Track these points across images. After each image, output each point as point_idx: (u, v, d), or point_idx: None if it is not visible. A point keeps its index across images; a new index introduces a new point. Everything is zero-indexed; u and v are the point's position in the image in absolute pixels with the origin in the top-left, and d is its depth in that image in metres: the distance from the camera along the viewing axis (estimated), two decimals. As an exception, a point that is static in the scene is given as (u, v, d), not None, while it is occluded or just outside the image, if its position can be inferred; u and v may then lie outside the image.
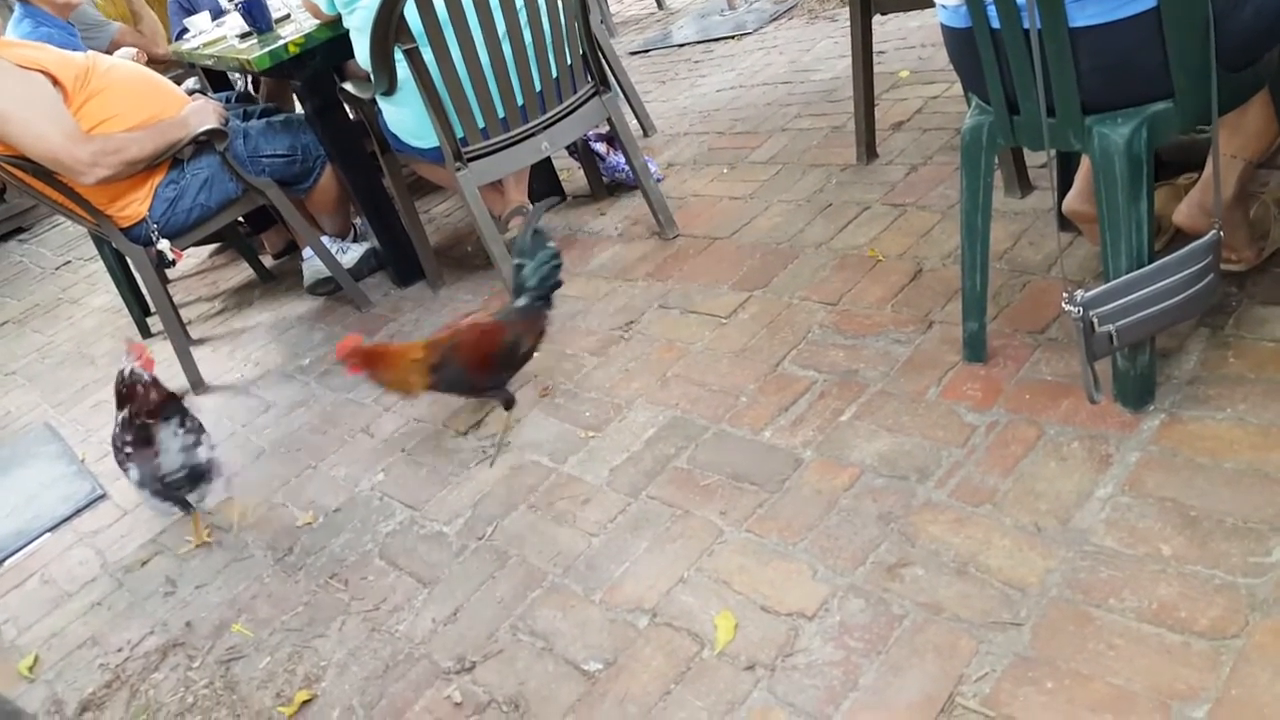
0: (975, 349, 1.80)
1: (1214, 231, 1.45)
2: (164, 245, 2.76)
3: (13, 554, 2.38)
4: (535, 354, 2.10)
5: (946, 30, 1.60)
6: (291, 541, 2.03)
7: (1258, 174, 1.71)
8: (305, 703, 1.61)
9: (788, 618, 1.44)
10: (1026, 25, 1.40)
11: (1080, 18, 1.36)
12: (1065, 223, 1.98)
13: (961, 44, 1.56)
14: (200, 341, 3.23)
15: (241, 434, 2.56)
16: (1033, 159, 2.30)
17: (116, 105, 2.66)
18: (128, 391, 2.02)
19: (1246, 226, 1.71)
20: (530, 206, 2.96)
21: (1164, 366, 1.61)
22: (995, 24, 1.45)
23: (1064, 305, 1.44)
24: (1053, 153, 1.83)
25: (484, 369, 2.02)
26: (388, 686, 1.58)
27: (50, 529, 2.42)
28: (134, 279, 3.35)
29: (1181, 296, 1.46)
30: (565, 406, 2.14)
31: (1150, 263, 1.46)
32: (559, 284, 2.07)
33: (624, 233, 2.89)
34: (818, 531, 1.57)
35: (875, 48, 2.74)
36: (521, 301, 2.04)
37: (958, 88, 2.94)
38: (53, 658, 1.96)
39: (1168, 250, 1.48)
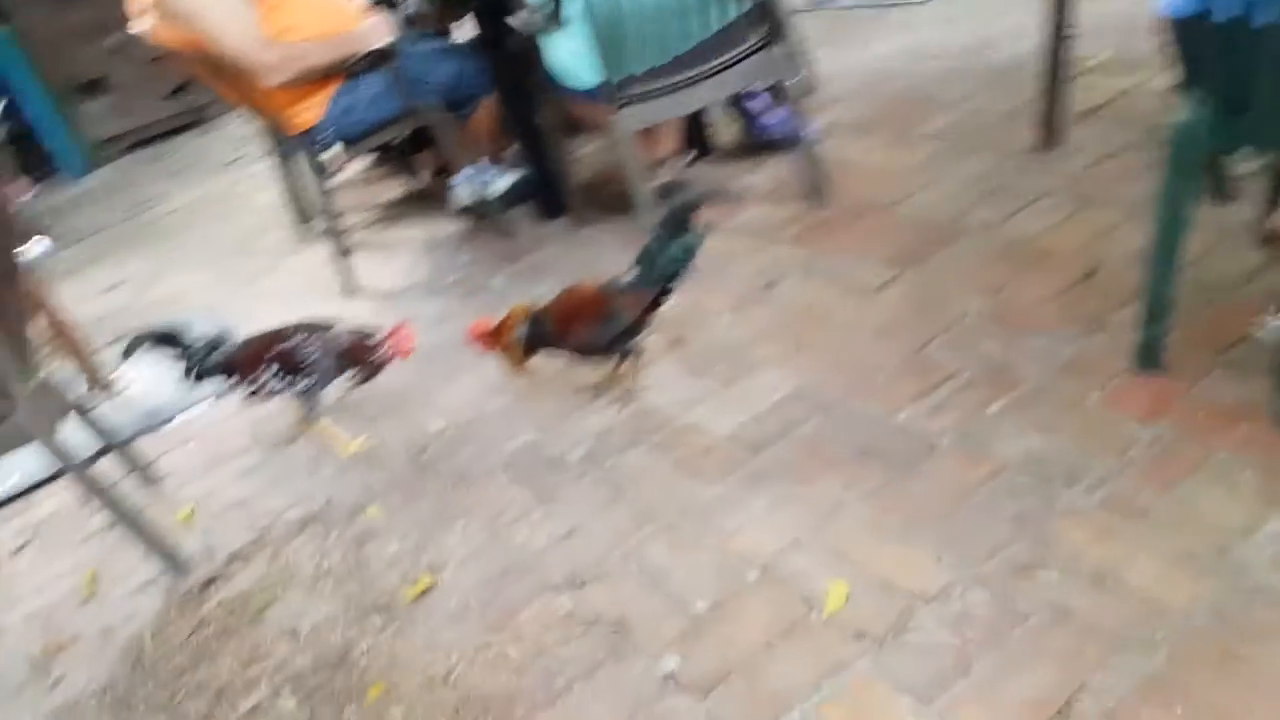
0: (1149, 358, 1.68)
1: None
2: (331, 152, 2.88)
3: (177, 415, 2.57)
4: (642, 332, 2.01)
5: (1172, 20, 1.48)
6: (426, 443, 2.12)
7: None
8: (427, 589, 1.70)
9: (905, 596, 1.41)
10: (1265, 19, 1.28)
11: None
12: (1266, 239, 1.83)
13: (1187, 34, 1.44)
14: (355, 248, 3.36)
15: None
16: (1237, 168, 2.12)
17: (298, 16, 2.79)
18: (355, 347, 2.15)
19: None
20: (682, 156, 2.94)
21: (1360, 406, 1.48)
22: (1233, 13, 1.33)
23: (1266, 321, 1.34)
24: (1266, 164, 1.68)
25: (575, 339, 2.00)
26: (503, 589, 1.65)
27: (212, 398, 2.60)
28: (300, 181, 3.51)
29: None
30: (696, 358, 2.13)
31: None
32: (685, 272, 1.97)
33: (773, 192, 2.83)
34: (946, 521, 1.52)
35: (1068, 29, 2.57)
36: (636, 276, 1.98)
37: (1155, 82, 2.74)
38: (207, 512, 2.12)
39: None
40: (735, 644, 1.41)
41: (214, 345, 2.19)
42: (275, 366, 2.10)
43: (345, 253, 3.05)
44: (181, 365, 2.17)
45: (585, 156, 3.61)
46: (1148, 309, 1.66)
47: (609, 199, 3.12)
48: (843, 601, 1.42)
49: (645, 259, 1.97)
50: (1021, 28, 3.47)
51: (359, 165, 4.16)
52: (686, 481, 1.77)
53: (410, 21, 3.53)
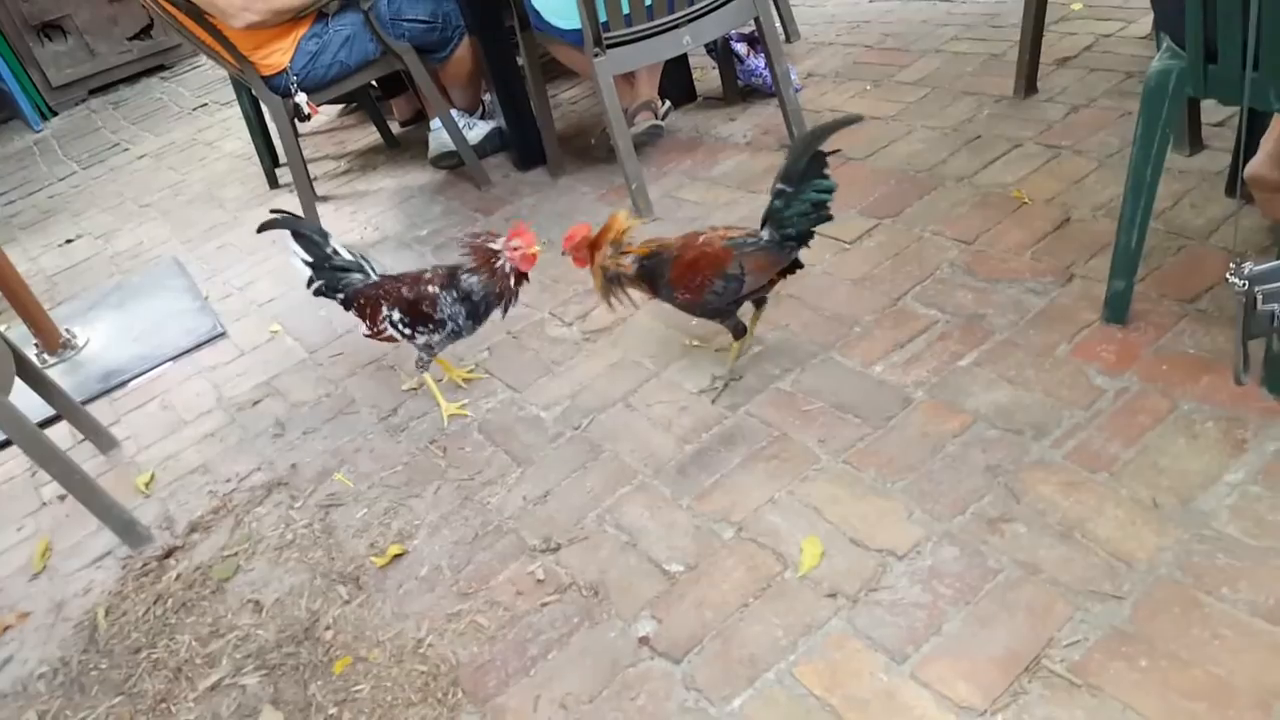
0: (1117, 309, 1.70)
1: None
2: (301, 98, 2.80)
3: (137, 376, 2.54)
4: (769, 294, 1.84)
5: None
6: (396, 404, 2.11)
7: None
8: (397, 556, 1.69)
9: (877, 553, 1.43)
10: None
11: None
12: (1239, 188, 1.83)
13: (1168, -23, 1.42)
14: (324, 199, 3.30)
15: (356, 294, 2.62)
16: (1209, 115, 2.11)
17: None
18: (481, 258, 1.87)
19: None
20: (659, 102, 2.89)
21: (1325, 357, 1.50)
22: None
23: (1228, 276, 1.34)
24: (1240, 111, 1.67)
25: (690, 293, 1.76)
26: (475, 553, 1.65)
27: (172, 359, 2.57)
28: (267, 128, 3.43)
29: (1364, 285, 1.33)
30: (673, 312, 2.11)
31: (1337, 243, 1.33)
32: (823, 219, 1.71)
33: (753, 141, 2.80)
34: (919, 474, 1.54)
35: (1054, -28, 2.54)
36: (765, 235, 1.73)
37: (1133, 28, 2.71)
38: (167, 478, 2.10)
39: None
40: (711, 605, 1.42)
41: (348, 269, 2.03)
42: (398, 314, 1.92)
43: (313, 203, 2.99)
44: (307, 272, 2.02)
45: (564, 102, 3.55)
46: (1117, 261, 1.66)
47: (587, 147, 3.08)
48: (817, 559, 1.44)
49: (773, 219, 1.71)
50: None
51: (330, 112, 4.07)
52: (661, 440, 1.77)
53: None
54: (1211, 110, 2.10)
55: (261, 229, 2.07)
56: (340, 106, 4.03)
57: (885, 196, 2.30)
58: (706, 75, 3.28)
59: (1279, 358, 1.46)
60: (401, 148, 3.58)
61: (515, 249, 1.84)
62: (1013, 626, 1.27)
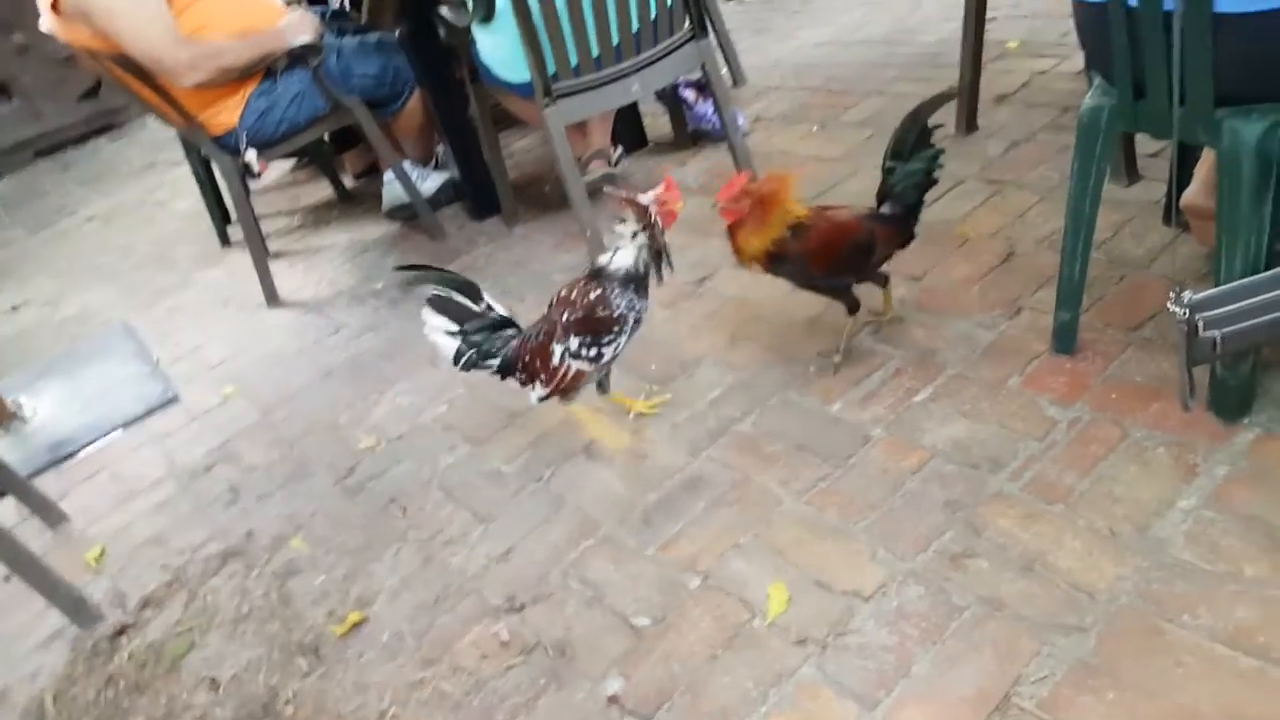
0: (1065, 340, 1.73)
1: (1344, 244, 1.36)
2: (251, 155, 2.79)
3: (85, 447, 2.47)
4: (888, 262, 1.87)
5: (1077, 3, 1.50)
6: (353, 463, 2.07)
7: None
8: (357, 624, 1.65)
9: (843, 596, 1.42)
10: (1168, 6, 1.30)
11: (1227, 4, 1.27)
12: (1174, 217, 1.88)
13: (1093, 19, 1.47)
14: (277, 255, 3.28)
15: (311, 351, 2.60)
16: (1143, 147, 2.18)
17: (216, 13, 2.68)
18: (638, 213, 1.70)
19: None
20: (613, 150, 2.92)
21: (1264, 380, 1.53)
22: (1133, 2, 1.36)
23: (1169, 305, 1.37)
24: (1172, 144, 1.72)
25: (822, 262, 1.78)
26: (438, 617, 1.61)
27: (123, 426, 2.51)
28: (218, 187, 3.40)
29: (1298, 309, 1.37)
30: (630, 358, 2.11)
31: (1267, 270, 1.37)
32: (933, 184, 1.80)
33: (704, 185, 2.83)
34: (880, 512, 1.54)
35: (986, 15, 2.61)
36: (885, 209, 1.82)
37: (1068, 64, 2.80)
38: (118, 552, 2.03)
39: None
40: (679, 658, 1.40)
41: (502, 325, 1.80)
42: (577, 341, 1.72)
43: (265, 261, 2.96)
44: (453, 344, 1.77)
45: (518, 151, 3.57)
46: (1062, 293, 1.69)
47: (542, 195, 3.09)
48: (784, 605, 1.43)
49: (890, 193, 1.80)
50: (938, 14, 3.53)
51: (282, 168, 4.05)
52: (625, 489, 1.76)
53: (335, 16, 3.44)
54: (1146, 142, 2.17)
55: (400, 268, 1.90)
56: (293, 161, 4.02)
57: (836, 236, 2.32)
58: (657, 121, 3.32)
59: (1224, 382, 1.49)
60: (355, 201, 3.57)
61: (664, 203, 1.69)
62: (980, 665, 1.27)
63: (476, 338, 1.78)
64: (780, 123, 3.09)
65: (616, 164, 2.91)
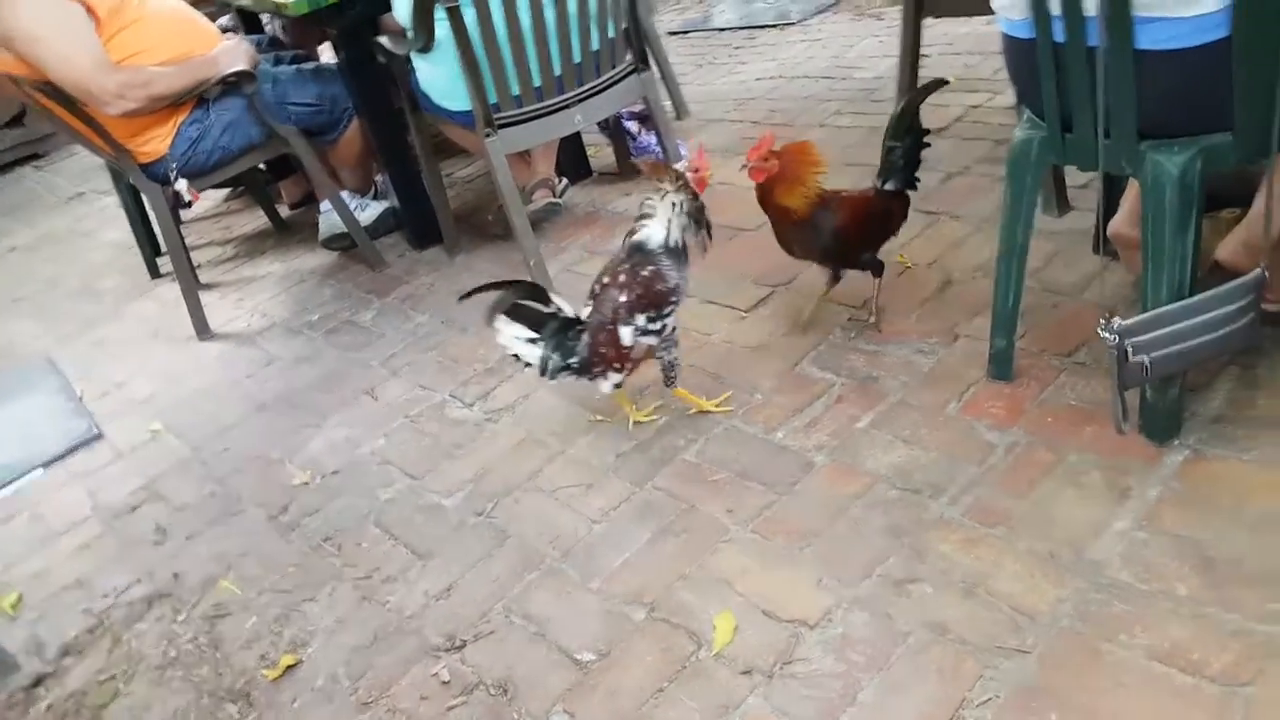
0: (1001, 366, 1.76)
1: (1258, 270, 1.41)
2: (181, 185, 2.72)
3: (3, 487, 2.35)
4: (896, 234, 2.02)
5: (1007, 40, 1.55)
6: (286, 500, 2.01)
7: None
8: (290, 667, 1.59)
9: (789, 624, 1.41)
10: (1092, 43, 1.35)
11: (1148, 41, 1.31)
12: (1104, 246, 1.94)
13: (1021, 55, 1.51)
14: (209, 287, 3.19)
15: (244, 384, 2.53)
16: (1073, 179, 2.25)
17: (149, 39, 2.62)
18: (675, 177, 1.75)
19: (1289, 268, 1.67)
20: (557, 179, 2.92)
21: (1192, 402, 1.58)
22: (1059, 38, 1.40)
23: (1099, 331, 1.41)
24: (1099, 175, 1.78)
25: (853, 230, 1.92)
26: (375, 658, 1.56)
27: (43, 465, 2.40)
28: (147, 216, 3.31)
29: (1219, 333, 1.42)
30: (574, 387, 2.10)
31: (1191, 296, 1.42)
32: (920, 162, 1.99)
33: (647, 215, 2.84)
34: (825, 539, 1.54)
35: (920, 51, 2.69)
36: (890, 185, 1.97)
37: (1001, 98, 2.89)
38: (37, 597, 1.93)
39: (1204, 285, 1.44)
40: (625, 693, 1.37)
41: (573, 323, 1.77)
42: (643, 318, 1.73)
43: (196, 292, 2.88)
44: (536, 351, 1.73)
45: (459, 180, 3.55)
46: (996, 320, 1.73)
47: (484, 224, 3.08)
48: (730, 636, 1.42)
49: (893, 169, 1.96)
50: (876, 50, 3.63)
51: (214, 197, 3.97)
52: (569, 520, 1.73)
53: (272, 44, 3.39)
54: (1076, 173, 2.24)
55: (466, 296, 1.77)
56: (226, 191, 3.93)
57: (777, 266, 2.34)
58: (601, 151, 3.33)
59: (1154, 406, 1.53)
60: (291, 231, 3.50)
61: (697, 169, 1.75)
62: (926, 690, 1.26)
63: (555, 341, 1.75)
64: (723, 154, 3.12)
65: (561, 194, 2.91)
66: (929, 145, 2.01)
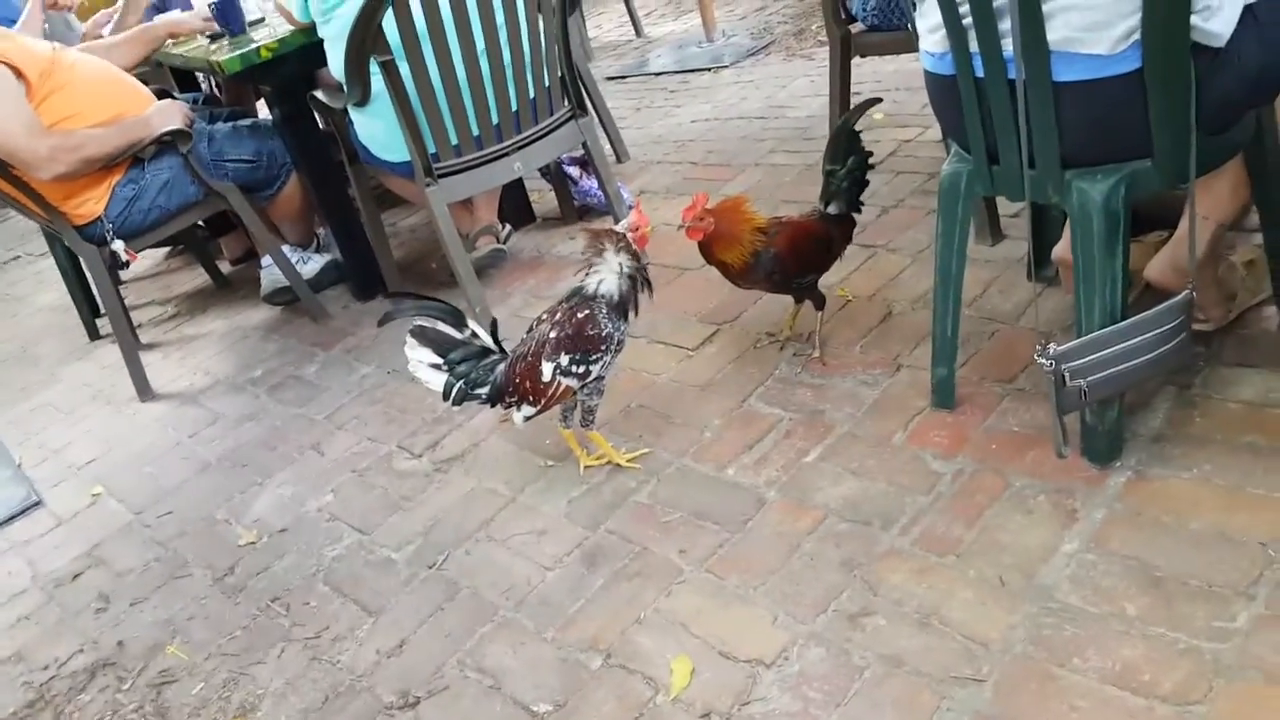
0: (943, 395, 1.78)
1: (1187, 291, 1.45)
2: (118, 246, 2.67)
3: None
4: (840, 258, 2.07)
5: (930, 76, 1.60)
6: (233, 561, 1.95)
7: (1226, 235, 1.72)
8: (238, 734, 1.53)
9: (746, 664, 1.39)
10: (1012, 76, 1.40)
11: (1065, 73, 1.36)
12: (1036, 273, 1.99)
13: (944, 91, 1.56)
14: (150, 347, 3.13)
15: (187, 445, 2.47)
16: (1005, 208, 2.31)
17: (80, 102, 2.58)
18: (617, 241, 1.75)
19: (1215, 287, 1.73)
20: (500, 226, 2.92)
21: (1131, 423, 1.61)
22: (980, 73, 1.45)
23: (1036, 357, 1.43)
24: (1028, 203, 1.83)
25: (798, 259, 1.96)
26: (327, 719, 1.51)
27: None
28: (85, 278, 3.24)
29: (1153, 354, 1.46)
30: (525, 433, 2.08)
31: (1124, 319, 1.45)
32: (865, 183, 2.03)
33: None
34: (779, 576, 1.53)
35: (851, 89, 2.76)
36: (833, 209, 2.01)
37: (931, 133, 2.97)
38: (-29, 674, 1.84)
39: (1136, 307, 1.48)
40: (580, 743, 1.35)
41: (489, 352, 1.78)
42: (568, 358, 1.73)
43: (136, 353, 2.81)
44: (441, 379, 1.75)
45: (403, 230, 3.53)
46: (937, 350, 1.75)
47: (429, 273, 3.06)
48: (687, 679, 1.40)
49: (836, 194, 2.00)
50: (808, 89, 3.72)
51: (154, 256, 3.90)
52: (522, 569, 1.70)
53: (208, 100, 3.37)
54: (1008, 202, 2.29)
55: (382, 323, 1.88)
56: (166, 250, 3.87)
57: (722, 304, 2.37)
58: (544, 197, 3.35)
59: (1093, 428, 1.56)
60: (233, 287, 3.45)
61: (637, 229, 1.75)
62: (884, 725, 1.26)
63: (463, 368, 1.75)
64: (664, 196, 3.16)
65: (505, 240, 2.91)
66: (873, 168, 2.04)
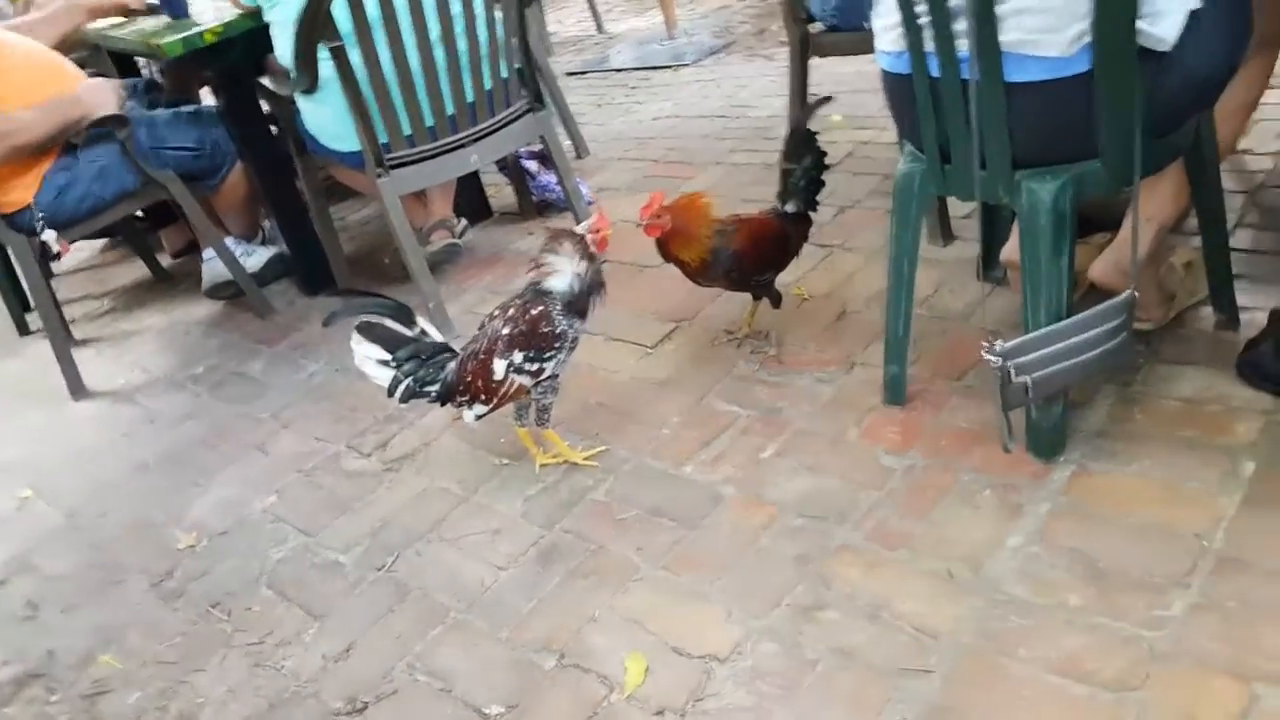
0: (895, 392, 1.80)
1: (1129, 291, 1.48)
2: (49, 236, 2.56)
3: None
4: (798, 256, 2.08)
5: (886, 76, 1.61)
6: (171, 565, 1.89)
7: (1167, 237, 1.77)
8: (177, 744, 1.48)
9: (700, 660, 1.39)
10: (965, 76, 1.41)
11: (1018, 74, 1.38)
12: (985, 273, 2.02)
13: (900, 90, 1.57)
14: (84, 343, 3.02)
15: (123, 445, 2.39)
16: (956, 209, 2.34)
17: (8, 86, 2.48)
18: (577, 246, 1.74)
19: (1156, 287, 1.77)
20: (456, 220, 2.88)
21: (1074, 419, 1.64)
22: (935, 73, 1.46)
23: (984, 354, 1.46)
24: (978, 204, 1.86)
25: (756, 256, 1.98)
26: (270, 728, 1.47)
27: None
28: (14, 270, 3.11)
29: (1096, 352, 1.49)
30: (479, 431, 2.05)
31: (1069, 317, 1.48)
32: (822, 183, 2.06)
33: (548, 255, 2.82)
34: (734, 572, 1.53)
35: (810, 89, 2.77)
36: (790, 207, 2.03)
37: (888, 134, 3.00)
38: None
39: (1080, 306, 1.51)
40: (534, 744, 1.33)
41: (439, 351, 1.76)
42: (520, 355, 1.71)
43: (69, 350, 2.71)
44: (388, 375, 1.73)
45: (354, 224, 3.47)
46: (889, 348, 1.77)
47: (381, 267, 3.00)
48: (642, 676, 1.39)
49: (793, 192, 2.02)
50: (768, 89, 3.74)
51: (90, 248, 3.77)
52: (474, 569, 1.68)
53: (149, 87, 3.27)
54: (959, 204, 2.33)
55: (327, 323, 1.80)
56: (103, 241, 3.74)
57: (681, 302, 2.36)
58: (502, 191, 3.31)
59: (1038, 424, 1.59)
60: (173, 281, 3.35)
61: (597, 231, 1.74)
62: (836, 718, 1.26)
63: (410, 365, 1.72)
64: (624, 193, 3.14)
65: (461, 235, 2.87)
66: (829, 168, 2.07)
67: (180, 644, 1.68)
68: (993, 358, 1.44)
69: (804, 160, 2.01)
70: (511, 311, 1.76)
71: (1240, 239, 2.01)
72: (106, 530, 2.06)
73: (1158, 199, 1.63)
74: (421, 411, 2.15)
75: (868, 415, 1.80)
